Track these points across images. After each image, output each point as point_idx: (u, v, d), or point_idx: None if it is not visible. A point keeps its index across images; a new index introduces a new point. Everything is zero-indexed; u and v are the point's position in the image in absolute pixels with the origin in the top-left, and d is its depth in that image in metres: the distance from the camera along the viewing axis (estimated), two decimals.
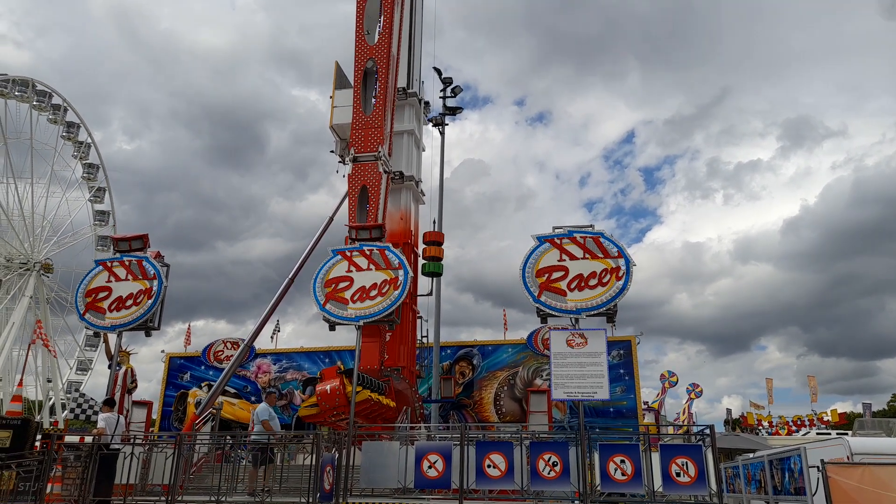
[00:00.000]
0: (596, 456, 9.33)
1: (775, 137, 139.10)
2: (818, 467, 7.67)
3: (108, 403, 10.84)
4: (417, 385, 20.86)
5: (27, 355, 13.23)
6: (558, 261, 10.60)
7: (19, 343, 36.76)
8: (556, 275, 10.48)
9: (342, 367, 12.89)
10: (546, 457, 9.30)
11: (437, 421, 21.67)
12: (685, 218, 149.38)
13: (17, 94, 38.70)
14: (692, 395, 33.89)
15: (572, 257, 10.55)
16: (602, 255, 10.43)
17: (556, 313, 10.38)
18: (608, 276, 10.29)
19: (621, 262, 10.41)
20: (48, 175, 41.77)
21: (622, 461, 9.06)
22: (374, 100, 17.54)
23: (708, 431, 9.34)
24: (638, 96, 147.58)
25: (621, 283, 10.24)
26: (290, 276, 19.13)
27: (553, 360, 10.03)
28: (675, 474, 8.85)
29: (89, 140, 43.47)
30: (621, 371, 22.24)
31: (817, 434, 35.96)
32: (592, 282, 10.28)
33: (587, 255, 10.48)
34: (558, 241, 10.75)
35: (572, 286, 10.34)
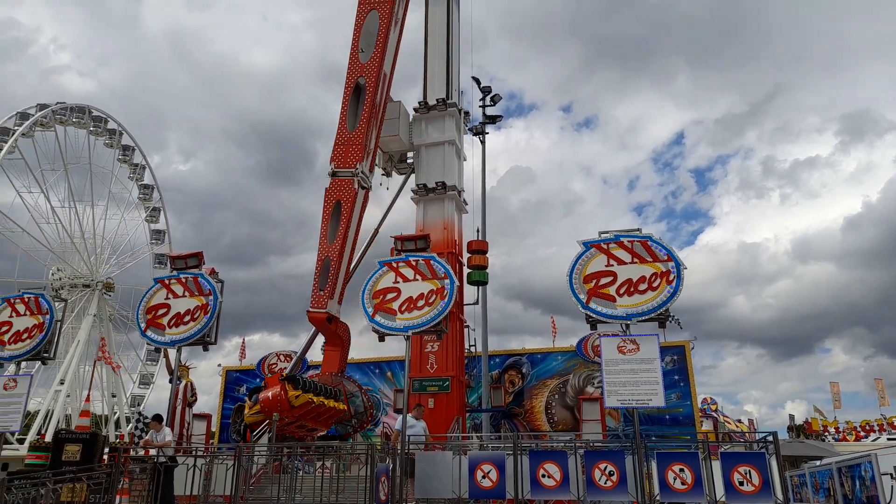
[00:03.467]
0: (653, 465, 9.12)
1: (833, 133, 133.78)
2: (892, 474, 7.32)
3: (157, 419, 11.23)
4: (467, 395, 20.83)
5: (93, 372, 13.85)
6: (606, 266, 10.46)
7: (85, 360, 38.48)
8: (604, 280, 10.34)
9: (284, 374, 13.13)
10: (602, 466, 9.16)
11: (489, 430, 21.58)
12: (739, 218, 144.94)
13: (74, 120, 40.61)
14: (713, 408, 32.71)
15: (620, 262, 10.39)
16: (651, 259, 10.24)
17: (606, 319, 10.24)
18: (658, 281, 10.09)
19: (671, 265, 10.19)
20: (106, 197, 43.66)
21: (681, 470, 8.84)
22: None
23: (771, 438, 9.03)
24: (687, 97, 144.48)
25: (672, 287, 10.03)
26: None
27: (604, 368, 9.88)
28: (737, 483, 8.57)
29: (143, 162, 45.44)
30: (676, 377, 21.71)
31: (888, 440, 34.20)
32: (642, 286, 10.10)
33: (636, 260, 10.31)
34: (605, 246, 10.62)
35: (621, 291, 10.18)
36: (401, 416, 13.10)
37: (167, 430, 10.64)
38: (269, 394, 12.42)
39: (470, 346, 21.74)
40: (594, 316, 10.24)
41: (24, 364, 12.25)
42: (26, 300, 12.13)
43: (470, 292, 21.32)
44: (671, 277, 10.04)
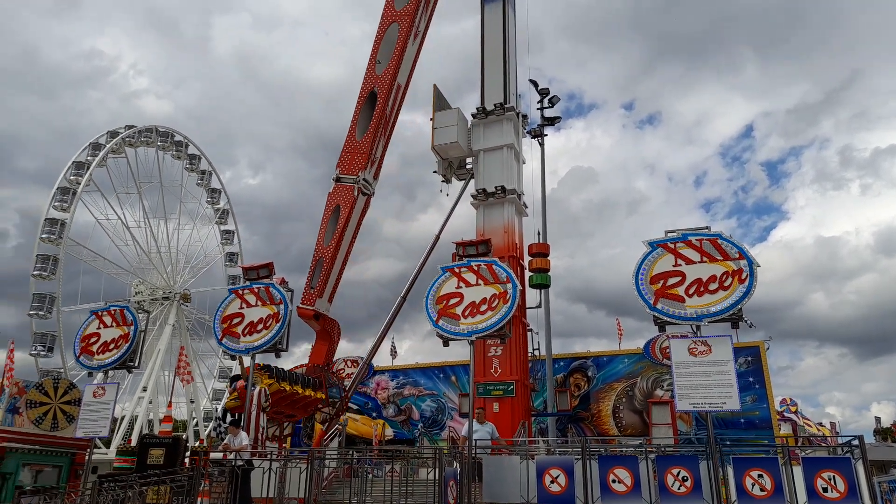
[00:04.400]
0: (729, 470, 8.81)
1: None
2: None
3: (235, 424, 11.69)
4: (532, 398, 20.68)
5: (174, 380, 14.55)
6: (673, 266, 10.19)
7: (165, 367, 40.53)
8: (672, 281, 10.08)
9: (260, 364, 13.70)
10: (675, 471, 8.91)
11: (555, 434, 21.36)
12: (816, 212, 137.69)
13: (143, 140, 42.90)
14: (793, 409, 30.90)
15: (689, 262, 10.10)
16: (721, 258, 9.90)
17: (676, 321, 9.96)
18: (730, 280, 9.75)
19: (743, 263, 9.82)
20: (178, 212, 45.97)
21: (760, 476, 8.51)
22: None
23: (856, 442, 8.56)
24: (756, 88, 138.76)
25: (745, 285, 9.66)
26: (401, 295, 19.74)
27: (675, 370, 9.62)
28: (821, 489, 8.18)
29: (210, 168, 47.68)
30: (750, 379, 20.89)
31: None
32: (713, 286, 9.78)
33: (705, 259, 10.00)
34: (672, 246, 10.34)
35: (691, 292, 9.89)
36: (467, 421, 13.16)
37: (244, 434, 11.07)
38: (245, 381, 13.09)
39: (534, 349, 21.59)
40: (663, 317, 9.99)
41: (111, 373, 13.00)
42: (112, 312, 12.90)
43: (532, 295, 21.21)
44: (743, 276, 9.68)
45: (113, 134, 40.14)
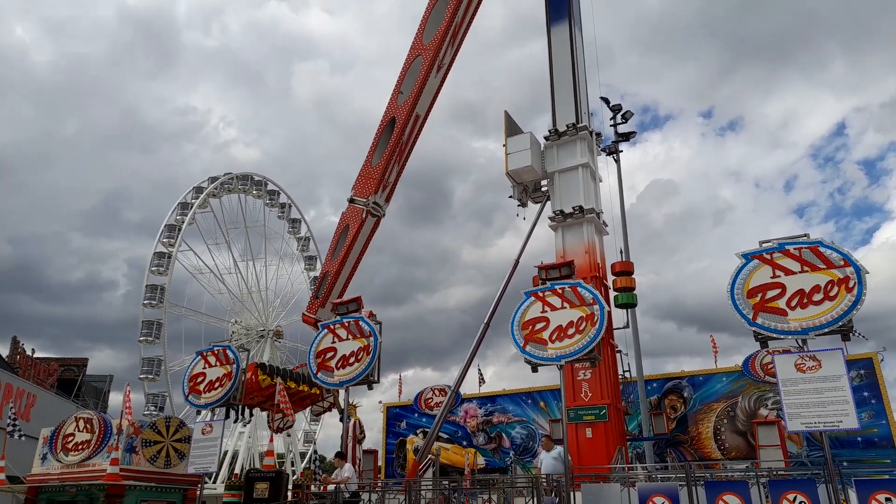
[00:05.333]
0: (852, 494, 8.20)
1: None
2: None
3: (340, 456, 11.99)
4: (626, 422, 20.02)
5: (273, 415, 15.43)
6: (771, 278, 9.71)
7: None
8: (771, 293, 9.59)
9: (256, 362, 14.96)
10: (790, 496, 8.37)
11: (653, 459, 20.51)
12: None
13: (239, 187, 45.92)
14: None
15: (788, 272, 9.60)
16: (825, 266, 9.35)
17: (779, 335, 9.45)
18: (836, 289, 9.18)
19: (849, 270, 9.23)
20: (268, 253, 48.42)
21: (888, 499, 7.85)
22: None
23: None
24: (845, 83, 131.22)
25: (853, 294, 9.06)
26: (485, 322, 19.72)
27: (782, 388, 9.10)
28: None
29: (299, 216, 50.48)
30: (865, 394, 19.38)
31: None
32: (817, 297, 9.23)
33: (806, 269, 9.47)
34: (768, 257, 9.87)
35: (793, 304, 9.37)
36: (557, 448, 12.93)
37: (348, 466, 11.33)
38: (244, 377, 14.15)
39: (624, 371, 20.96)
40: (764, 333, 9.50)
41: (216, 410, 13.71)
42: (216, 352, 13.65)
43: (618, 316, 20.66)
44: (851, 284, 9.09)
45: (199, 190, 43.16)
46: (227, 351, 13.61)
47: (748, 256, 10.06)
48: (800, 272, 9.49)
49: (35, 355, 34.76)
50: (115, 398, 44.63)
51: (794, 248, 9.69)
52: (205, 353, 13.94)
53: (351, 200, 18.36)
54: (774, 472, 9.94)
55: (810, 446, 19.32)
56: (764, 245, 10.02)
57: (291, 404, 15.18)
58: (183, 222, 40.45)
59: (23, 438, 15.74)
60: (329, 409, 17.58)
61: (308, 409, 15.66)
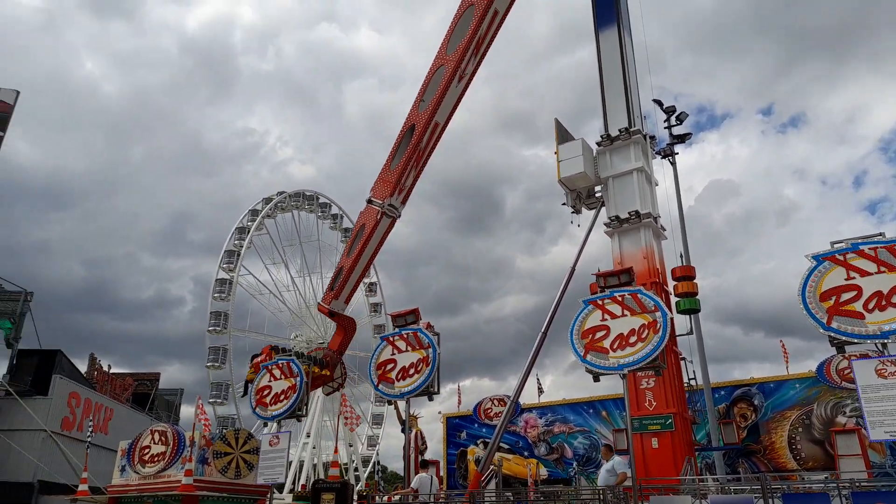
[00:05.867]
0: None
1: None
2: None
3: (423, 465, 12.12)
4: (694, 432, 19.42)
5: (337, 425, 16.01)
6: (846, 280, 9.28)
7: (322, 414, 43.22)
8: (846, 296, 9.17)
9: (271, 345, 16.53)
10: None
11: (723, 470, 19.78)
12: None
13: (292, 205, 47.36)
14: None
15: (864, 273, 9.16)
16: None
17: (856, 340, 9.02)
18: None
19: None
20: (326, 269, 49.59)
21: None
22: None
23: None
24: None
25: None
26: (542, 331, 19.54)
27: (862, 395, 8.66)
28: None
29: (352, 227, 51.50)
30: None
31: None
32: None
33: (883, 269, 9.01)
34: (841, 258, 9.45)
35: (871, 306, 8.93)
36: (614, 458, 12.68)
37: (434, 477, 11.38)
38: (260, 358, 15.66)
39: (689, 379, 20.34)
40: (840, 337, 9.08)
41: (282, 421, 14.08)
42: (280, 366, 14.05)
43: (680, 322, 20.08)
44: None
45: (254, 212, 44.68)
46: (291, 364, 13.99)
47: (819, 258, 9.66)
48: (876, 273, 9.05)
49: (111, 371, 36.55)
50: (185, 410, 46.48)
51: (869, 248, 9.26)
52: (270, 367, 14.36)
53: (369, 201, 19.40)
54: (857, 484, 9.43)
55: (895, 456, 18.24)
56: (836, 246, 9.61)
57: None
58: (241, 247, 41.99)
59: (88, 447, 16.40)
60: (338, 389, 19.37)
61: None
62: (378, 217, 19.04)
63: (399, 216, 20.05)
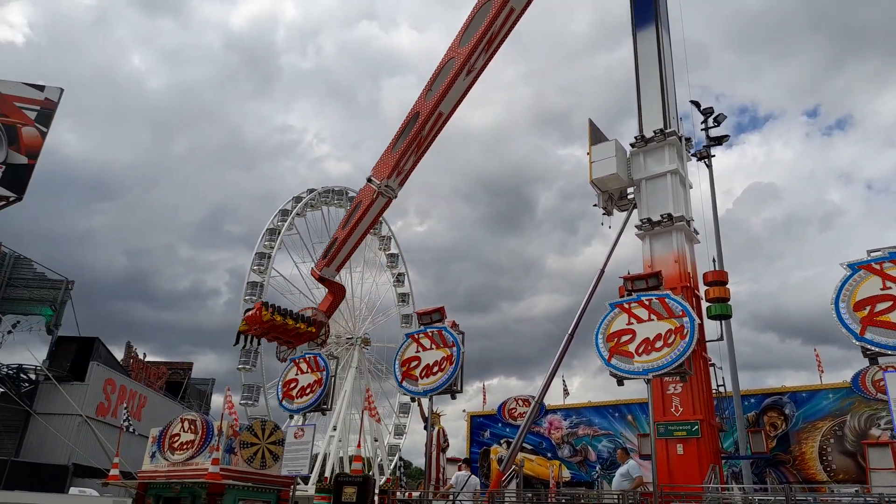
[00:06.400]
0: None
1: None
2: None
3: (466, 462, 12.21)
4: (721, 440, 19.10)
5: (361, 419, 16.25)
6: (881, 290, 9.03)
7: (350, 407, 43.76)
8: (881, 306, 8.92)
9: (262, 301, 17.25)
10: None
11: (751, 480, 19.41)
12: None
13: (335, 201, 48.12)
14: None
15: None
16: None
17: (890, 351, 8.77)
18: None
19: None
20: (362, 264, 50.31)
21: None
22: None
23: None
24: None
25: None
26: (569, 332, 19.41)
27: (893, 407, 8.43)
28: None
29: (389, 233, 52.97)
30: None
31: None
32: None
33: None
34: (878, 267, 9.20)
35: None
36: (629, 462, 12.53)
37: (472, 476, 11.47)
38: (251, 312, 16.70)
39: (718, 385, 19.99)
40: (873, 348, 8.85)
41: (308, 414, 14.31)
42: (307, 359, 14.30)
43: (711, 327, 19.74)
44: None
45: (311, 190, 45.62)
46: (318, 358, 14.22)
47: (854, 266, 9.42)
48: None
49: (146, 359, 37.56)
50: (216, 400, 47.54)
51: None
52: (297, 360, 14.61)
53: (368, 180, 20.40)
54: (887, 498, 9.18)
55: None
56: (872, 254, 9.36)
57: (291, 338, 18.04)
58: (272, 248, 42.77)
59: (135, 433, 17.01)
60: (322, 345, 20.33)
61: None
62: (374, 196, 19.95)
63: (395, 196, 20.95)
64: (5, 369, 25.39)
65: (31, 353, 25.92)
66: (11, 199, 25.85)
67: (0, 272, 26.90)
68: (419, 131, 20.30)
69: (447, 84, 20.14)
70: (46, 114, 27.37)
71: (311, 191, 47.23)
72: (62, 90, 28.18)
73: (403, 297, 53.13)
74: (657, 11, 22.42)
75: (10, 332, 26.49)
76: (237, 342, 17.02)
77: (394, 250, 53.50)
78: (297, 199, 46.09)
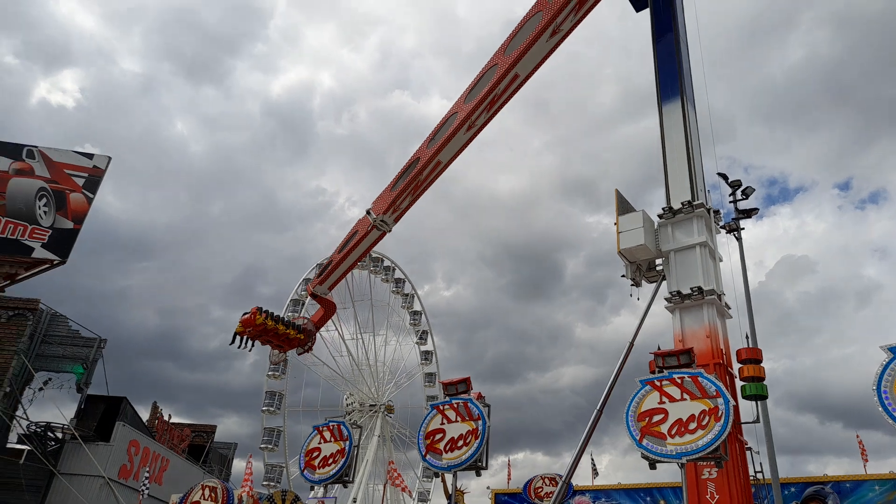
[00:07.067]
0: None
1: None
2: None
3: None
4: None
5: (384, 491, 16.17)
6: None
7: (372, 478, 42.81)
8: None
9: (258, 307, 18.71)
10: None
11: None
12: None
13: (360, 264, 48.64)
14: None
15: None
16: None
17: None
18: None
19: None
20: (386, 327, 50.27)
21: None
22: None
23: None
24: None
25: None
26: (598, 408, 18.86)
27: None
28: None
29: (412, 291, 53.18)
30: None
31: None
32: None
33: None
34: None
35: None
36: None
37: None
38: (247, 316, 18.30)
39: (756, 472, 19.06)
40: None
41: (328, 486, 14.04)
42: (331, 428, 14.17)
43: (745, 407, 18.99)
44: None
45: (320, 266, 46.06)
46: (342, 427, 14.09)
47: (895, 350, 9.11)
48: None
49: (171, 420, 37.51)
50: (237, 465, 46.93)
51: None
52: (321, 429, 14.50)
53: (367, 212, 21.93)
54: None
55: None
56: None
57: (281, 342, 19.70)
58: (306, 299, 43.26)
59: (147, 494, 16.74)
60: (308, 351, 22.05)
61: (294, 348, 20.50)
62: (369, 228, 21.52)
63: (389, 230, 22.47)
64: (34, 427, 25.60)
65: (60, 412, 26.13)
66: (55, 263, 26.69)
67: (36, 329, 27.54)
68: (417, 175, 21.76)
69: (448, 136, 21.40)
70: (94, 180, 28.64)
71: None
72: (110, 158, 29.59)
73: (426, 356, 52.71)
74: (682, 85, 22.84)
75: (41, 388, 26.86)
76: (233, 342, 18.42)
77: (417, 307, 53.48)
78: (320, 266, 46.91)
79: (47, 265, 26.60)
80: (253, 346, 19.63)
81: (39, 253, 26.21)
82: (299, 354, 22.87)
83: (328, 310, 22.51)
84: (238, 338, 18.78)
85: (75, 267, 27.62)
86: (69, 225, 27.19)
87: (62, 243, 26.75)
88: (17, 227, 25.81)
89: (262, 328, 18.66)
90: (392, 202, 21.76)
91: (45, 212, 26.69)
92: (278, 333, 19.34)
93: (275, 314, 19.79)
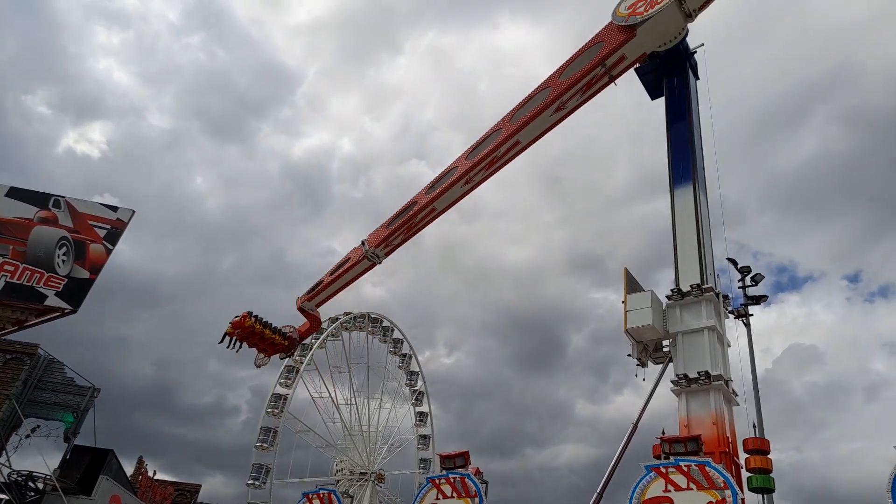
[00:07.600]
0: None
1: None
2: None
3: None
4: None
5: (258, 352, 18.58)
6: None
7: None
8: None
9: (249, 312, 20.21)
10: None
11: None
12: None
13: (357, 325, 48.30)
14: None
15: None
16: None
17: None
18: None
19: None
20: (380, 391, 49.26)
21: None
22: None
23: None
24: None
25: None
26: (598, 492, 18.28)
27: None
28: None
29: (410, 352, 52.41)
30: None
31: None
32: None
33: None
34: None
35: None
36: None
37: None
38: (237, 319, 19.57)
39: None
40: None
41: None
42: (321, 496, 13.66)
43: (751, 500, 18.25)
44: None
45: (333, 320, 45.77)
46: (333, 496, 13.59)
47: None
48: None
49: (155, 476, 36.37)
50: None
51: None
52: (310, 496, 13.99)
53: (362, 243, 23.35)
54: None
55: None
56: None
57: (266, 347, 20.92)
58: (302, 362, 42.59)
59: None
60: (290, 355, 24.20)
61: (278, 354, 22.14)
62: (361, 257, 22.95)
63: (380, 262, 23.85)
64: (15, 475, 24.79)
65: (45, 461, 25.37)
66: (66, 311, 26.60)
67: (31, 374, 27.11)
68: (412, 217, 23.10)
69: (446, 187, 22.80)
70: (115, 232, 28.87)
71: (346, 314, 47.63)
72: (133, 212, 29.89)
73: (422, 417, 51.56)
74: (695, 171, 23.23)
75: (28, 435, 26.18)
76: (222, 341, 19.53)
77: (414, 368, 52.68)
78: (333, 320, 46.40)
79: (58, 314, 26.56)
80: (241, 347, 20.43)
81: (52, 301, 26.22)
82: (282, 360, 24.75)
83: (313, 324, 23.86)
84: (227, 338, 19.78)
85: (79, 312, 27.49)
86: (85, 275, 27.32)
87: (76, 293, 26.81)
88: (33, 273, 25.97)
89: (250, 330, 19.87)
90: (386, 238, 22.96)
91: (63, 260, 26.94)
92: (265, 338, 20.48)
93: (264, 320, 20.82)
